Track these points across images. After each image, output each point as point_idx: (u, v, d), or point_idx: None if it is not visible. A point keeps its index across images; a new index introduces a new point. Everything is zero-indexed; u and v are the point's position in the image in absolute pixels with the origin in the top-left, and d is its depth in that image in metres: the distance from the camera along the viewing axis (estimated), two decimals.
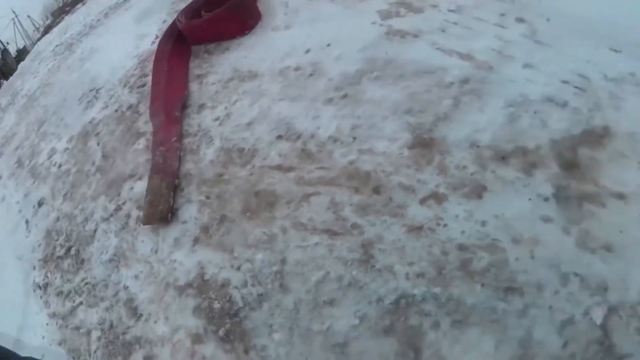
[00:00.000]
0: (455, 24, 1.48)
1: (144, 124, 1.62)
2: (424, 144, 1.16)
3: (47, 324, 1.39)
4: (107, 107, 1.85)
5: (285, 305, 1.05)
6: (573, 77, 1.23)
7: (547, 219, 0.97)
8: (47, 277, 1.48)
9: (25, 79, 2.79)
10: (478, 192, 1.05)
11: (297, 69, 1.50)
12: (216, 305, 1.11)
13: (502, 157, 1.09)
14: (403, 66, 1.37)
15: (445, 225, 1.02)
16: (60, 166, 1.76)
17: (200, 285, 1.16)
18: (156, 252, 1.29)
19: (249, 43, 1.74)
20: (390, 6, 1.62)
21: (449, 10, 1.54)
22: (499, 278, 0.93)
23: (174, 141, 1.47)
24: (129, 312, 1.22)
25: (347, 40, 1.52)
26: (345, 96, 1.35)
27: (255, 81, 1.54)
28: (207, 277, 1.16)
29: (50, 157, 1.85)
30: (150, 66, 1.90)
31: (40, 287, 1.48)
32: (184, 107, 1.59)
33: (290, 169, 1.26)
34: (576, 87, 1.19)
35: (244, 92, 1.52)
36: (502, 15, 1.47)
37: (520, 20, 1.43)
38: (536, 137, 1.11)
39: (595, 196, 0.97)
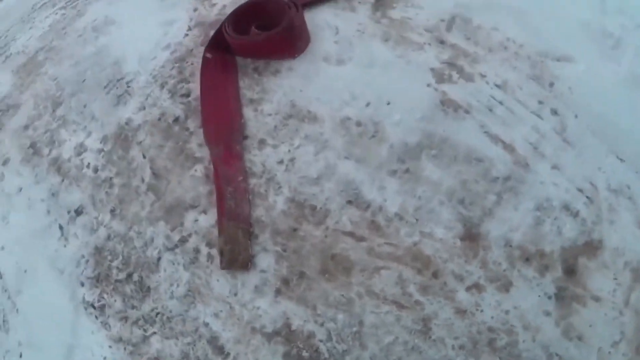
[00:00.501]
0: (501, 103, 1.60)
1: (198, 148, 1.57)
2: (472, 238, 1.37)
3: (109, 347, 1.42)
4: (144, 108, 1.72)
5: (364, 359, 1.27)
6: (586, 185, 1.46)
7: (547, 313, 1.29)
8: (102, 298, 1.48)
9: (16, 26, 2.32)
10: (506, 286, 1.33)
11: (358, 124, 1.56)
12: (304, 353, 1.28)
13: (527, 258, 1.36)
14: (457, 147, 1.50)
15: (481, 311, 1.29)
16: (96, 171, 1.65)
17: (288, 334, 1.30)
18: (235, 294, 1.38)
19: (300, 70, 1.71)
20: (443, 66, 1.69)
21: (495, 85, 1.65)
22: (511, 354, 1.26)
23: (241, 181, 1.49)
24: (214, 350, 1.33)
25: (406, 102, 1.58)
26: (407, 171, 1.46)
27: (316, 126, 1.57)
28: (293, 327, 1.31)
29: (79, 154, 1.70)
30: (189, 69, 1.78)
31: (94, 307, 1.48)
32: (244, 137, 1.59)
33: (362, 238, 1.39)
34: (587, 196, 1.44)
35: (306, 137, 1.55)
36: (540, 103, 1.61)
37: (554, 112, 1.59)
38: (552, 242, 1.37)
39: (581, 297, 1.31)
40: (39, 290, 1.58)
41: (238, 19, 1.77)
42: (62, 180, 1.69)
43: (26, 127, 1.90)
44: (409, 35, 1.80)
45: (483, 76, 1.69)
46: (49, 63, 2.04)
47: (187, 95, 1.70)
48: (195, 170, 1.54)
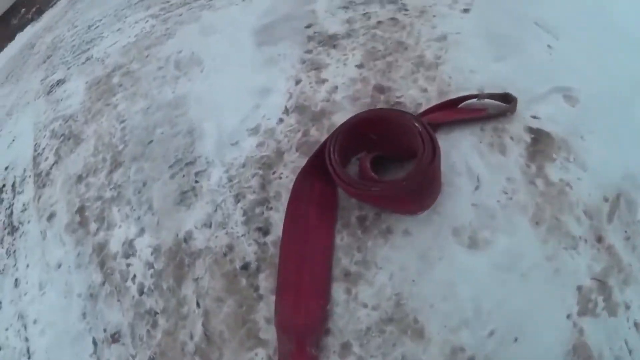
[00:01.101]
0: (630, 353, 1.11)
1: (265, 324, 1.17)
2: None
3: None
4: (209, 226, 1.30)
5: None
6: None
7: None
8: None
9: (107, 19, 1.80)
10: None
11: None
12: None
13: None
14: None
15: None
16: (141, 292, 1.31)
17: None
18: None
19: (420, 242, 1.18)
20: (592, 285, 1.14)
21: (634, 324, 1.13)
22: None
23: None
24: None
25: (537, 342, 1.08)
26: None
27: (420, 347, 1.12)
28: None
29: (127, 256, 1.35)
30: (275, 186, 1.29)
31: None
32: (325, 331, 1.17)
33: None
34: None
35: (403, 359, 1.14)
36: None
37: None
38: None
39: None
40: None
41: (349, 137, 1.23)
42: (103, 283, 1.37)
43: (79, 179, 1.53)
44: (565, 220, 1.22)
45: (627, 307, 1.16)
46: (121, 91, 1.59)
47: (266, 232, 1.26)
48: (256, 355, 1.17)
